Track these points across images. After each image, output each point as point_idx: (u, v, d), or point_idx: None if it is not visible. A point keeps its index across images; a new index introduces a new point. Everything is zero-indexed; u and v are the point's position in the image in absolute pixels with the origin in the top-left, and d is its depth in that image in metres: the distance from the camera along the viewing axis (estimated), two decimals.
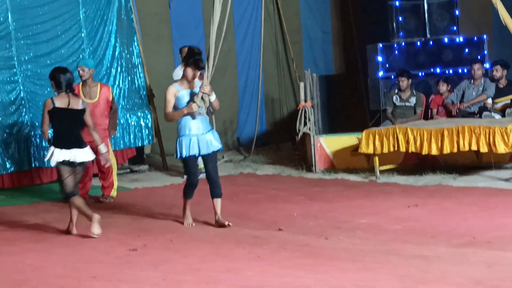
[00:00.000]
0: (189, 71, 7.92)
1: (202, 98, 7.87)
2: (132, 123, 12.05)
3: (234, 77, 14.79)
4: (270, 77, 15.20)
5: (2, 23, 10.97)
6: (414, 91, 12.18)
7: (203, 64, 8.02)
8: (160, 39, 13.74)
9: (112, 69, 11.92)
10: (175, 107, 8.00)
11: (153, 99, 12.19)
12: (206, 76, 8.06)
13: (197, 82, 8.01)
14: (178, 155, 7.99)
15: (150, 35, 13.48)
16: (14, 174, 10.96)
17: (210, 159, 8.07)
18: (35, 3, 11.29)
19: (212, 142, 8.03)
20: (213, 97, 7.97)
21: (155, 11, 13.93)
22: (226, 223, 7.99)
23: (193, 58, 7.89)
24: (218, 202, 8.09)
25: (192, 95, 7.93)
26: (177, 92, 7.93)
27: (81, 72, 9.86)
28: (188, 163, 8.04)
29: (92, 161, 8.68)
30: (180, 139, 7.97)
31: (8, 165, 10.89)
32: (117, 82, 11.96)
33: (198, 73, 8.01)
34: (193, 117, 7.94)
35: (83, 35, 11.69)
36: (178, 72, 11.40)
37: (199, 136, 7.96)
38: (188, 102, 7.91)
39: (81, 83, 9.95)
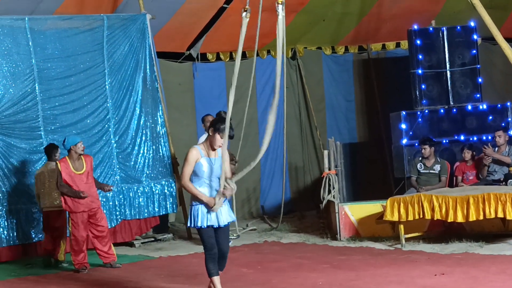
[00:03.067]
0: (218, 138, 7.34)
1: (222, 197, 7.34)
2: (156, 191, 12.09)
3: (255, 145, 14.82)
4: (293, 145, 15.24)
5: (30, 93, 11.18)
6: (438, 158, 12.16)
7: (232, 133, 7.50)
8: (184, 109, 13.89)
9: (137, 138, 12.04)
10: (193, 171, 7.41)
11: (177, 167, 12.26)
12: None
13: (218, 150, 7.45)
14: (192, 224, 7.37)
15: (174, 105, 13.63)
16: (37, 243, 11.02)
17: (223, 231, 7.45)
18: (62, 74, 11.52)
19: (226, 213, 7.44)
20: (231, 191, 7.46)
21: (179, 81, 14.14)
22: None
23: (223, 126, 7.30)
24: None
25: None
26: (199, 158, 7.32)
27: (83, 146, 10.08)
28: (204, 234, 7.34)
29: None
30: (195, 207, 7.34)
31: (32, 235, 10.96)
32: (141, 151, 12.06)
33: (222, 142, 7.37)
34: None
35: (108, 105, 11.85)
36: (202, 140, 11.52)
37: None
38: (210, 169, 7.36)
39: (68, 157, 10.06)
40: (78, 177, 9.95)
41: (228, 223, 7.46)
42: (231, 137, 7.43)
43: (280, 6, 7.45)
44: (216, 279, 7.41)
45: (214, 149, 7.42)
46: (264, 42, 14.29)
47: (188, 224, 7.49)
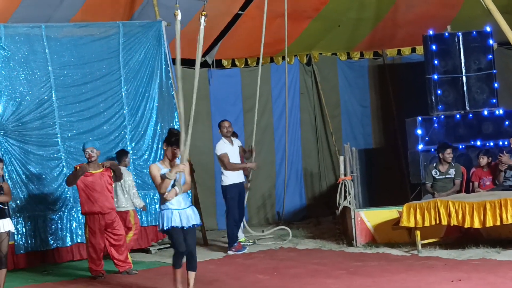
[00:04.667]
0: (170, 151, 8.23)
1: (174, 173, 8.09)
2: None
3: (271, 152, 14.86)
4: (309, 151, 15.24)
5: (46, 101, 11.24)
6: (452, 162, 12.11)
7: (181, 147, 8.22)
8: (199, 115, 13.90)
9: (154, 144, 12.07)
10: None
11: (193, 174, 12.27)
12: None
13: (177, 161, 8.23)
14: (161, 227, 8.19)
15: (190, 111, 13.62)
16: (55, 250, 11.07)
17: (189, 232, 8.22)
18: (78, 81, 11.57)
19: (192, 216, 8.25)
20: (182, 180, 8.17)
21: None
22: None
23: (174, 139, 8.21)
24: (192, 275, 8.28)
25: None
26: (160, 170, 8.17)
27: (90, 153, 10.01)
28: (172, 234, 8.18)
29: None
30: (162, 212, 8.19)
31: (51, 241, 11.01)
32: (158, 158, 12.08)
33: (178, 153, 8.21)
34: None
35: (125, 112, 11.89)
36: (221, 147, 11.54)
37: (180, 210, 8.16)
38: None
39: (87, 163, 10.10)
40: (92, 176, 9.98)
41: (192, 225, 8.20)
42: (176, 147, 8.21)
43: (203, 18, 8.56)
44: (178, 272, 8.27)
45: (171, 161, 8.27)
46: (279, 48, 14.31)
47: (159, 228, 8.26)
